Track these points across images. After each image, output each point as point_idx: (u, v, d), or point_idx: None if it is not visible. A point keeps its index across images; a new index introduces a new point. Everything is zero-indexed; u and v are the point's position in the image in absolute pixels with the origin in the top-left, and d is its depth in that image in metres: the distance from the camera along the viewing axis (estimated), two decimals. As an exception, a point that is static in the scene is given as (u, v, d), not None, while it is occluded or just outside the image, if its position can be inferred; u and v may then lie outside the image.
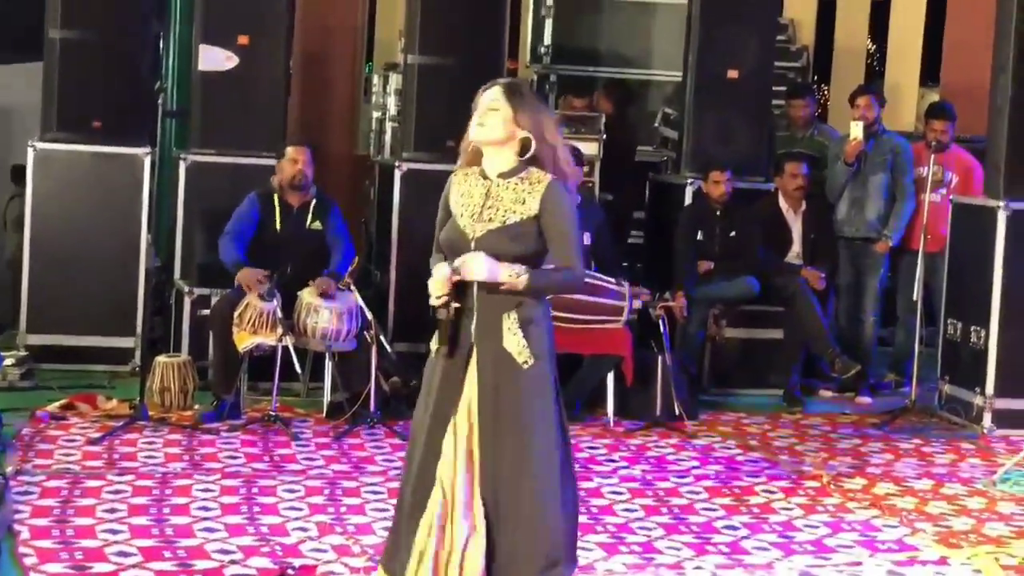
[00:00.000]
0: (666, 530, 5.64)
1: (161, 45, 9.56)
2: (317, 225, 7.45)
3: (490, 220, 4.05)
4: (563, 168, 4.10)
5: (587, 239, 7.64)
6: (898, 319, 8.87)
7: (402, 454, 4.95)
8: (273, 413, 6.97)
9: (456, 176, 4.18)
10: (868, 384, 8.53)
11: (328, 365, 7.23)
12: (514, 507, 4.00)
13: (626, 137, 9.50)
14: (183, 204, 8.14)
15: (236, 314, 7.01)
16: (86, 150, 8.10)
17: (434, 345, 4.11)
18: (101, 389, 7.45)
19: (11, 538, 5.08)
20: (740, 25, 8.68)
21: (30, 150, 8.05)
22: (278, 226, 7.41)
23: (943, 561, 5.42)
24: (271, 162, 7.61)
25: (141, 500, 5.66)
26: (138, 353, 7.96)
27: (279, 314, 6.95)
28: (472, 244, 4.04)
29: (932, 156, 8.10)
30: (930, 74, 11.80)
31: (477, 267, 3.98)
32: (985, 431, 7.68)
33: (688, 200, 8.55)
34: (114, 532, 5.23)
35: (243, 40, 8.12)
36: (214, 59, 8.13)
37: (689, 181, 8.60)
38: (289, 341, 6.94)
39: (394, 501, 4.40)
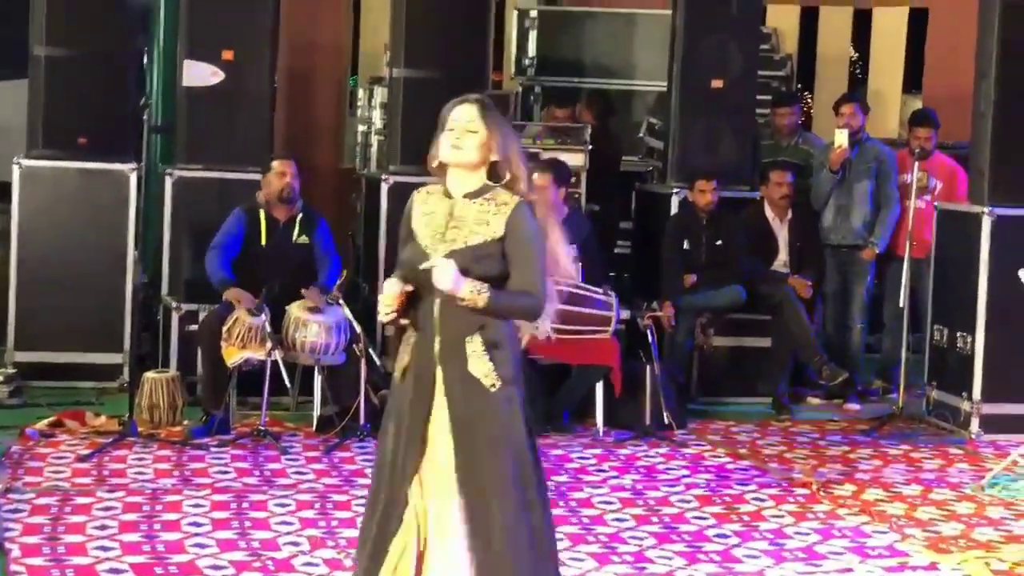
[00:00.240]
0: (657, 539, 5.65)
1: (146, 61, 9.57)
2: (304, 239, 7.45)
3: (453, 240, 3.94)
4: (525, 188, 4.02)
5: (574, 251, 7.65)
6: (885, 326, 8.90)
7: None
8: (263, 428, 6.96)
9: (418, 195, 4.07)
10: (856, 391, 8.55)
11: (317, 379, 7.23)
12: (487, 530, 3.88)
13: (611, 148, 9.52)
14: (170, 219, 8.13)
15: (224, 329, 7.01)
16: (72, 166, 8.09)
17: (398, 370, 4.03)
18: (89, 406, 7.43)
19: (2, 556, 5.07)
20: (724, 34, 8.70)
21: (15, 167, 8.04)
22: (264, 241, 7.41)
23: (933, 566, 5.44)
24: (257, 177, 7.61)
25: (132, 516, 5.65)
26: (126, 369, 7.93)
27: (268, 328, 6.95)
28: None
29: (916, 163, 8.13)
30: (913, 81, 11.82)
31: (445, 275, 3.84)
32: (973, 436, 7.70)
33: (674, 210, 8.56)
34: (105, 549, 5.22)
35: (228, 55, 8.12)
36: (199, 74, 8.13)
37: (675, 191, 8.62)
38: (278, 355, 6.94)
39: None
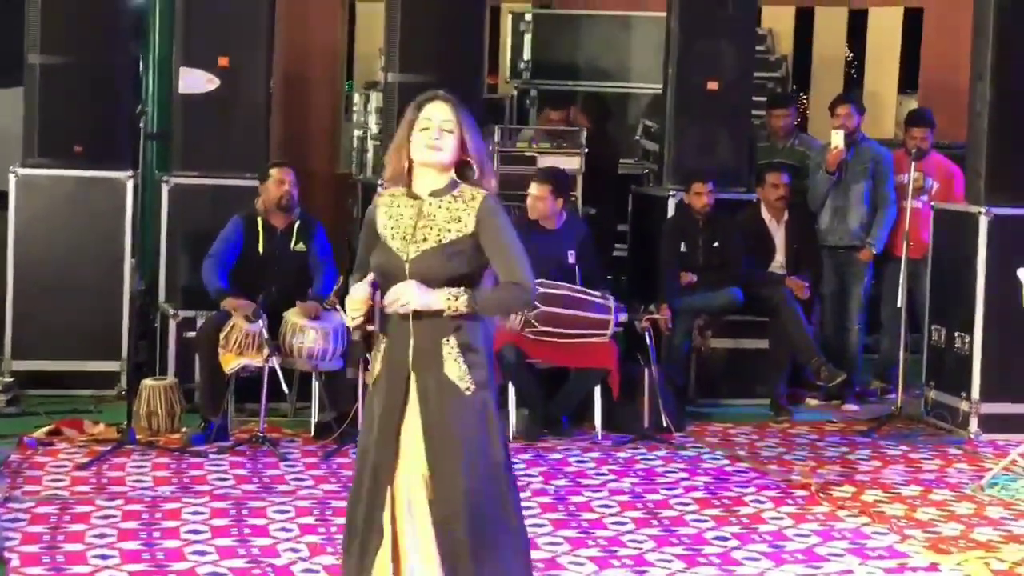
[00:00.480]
0: (657, 542, 5.64)
1: (141, 68, 9.56)
2: (301, 247, 7.45)
3: (424, 240, 3.89)
4: (492, 181, 3.97)
5: (571, 256, 7.66)
6: (883, 326, 8.90)
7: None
8: (261, 434, 6.97)
9: (381, 199, 4.00)
10: (854, 392, 8.55)
11: (315, 385, 7.23)
12: (457, 539, 3.83)
13: (608, 151, 9.53)
14: (166, 227, 8.12)
15: (222, 336, 7.01)
16: (68, 175, 8.08)
17: (371, 379, 3.99)
18: (88, 414, 7.43)
19: (2, 566, 5.06)
20: (719, 36, 8.70)
21: (11, 176, 8.04)
22: (261, 248, 7.41)
23: (933, 567, 5.44)
24: (254, 183, 7.61)
25: (131, 524, 5.65)
26: (124, 377, 7.94)
27: (265, 335, 6.95)
28: (407, 266, 3.88)
29: (912, 163, 8.13)
30: (908, 81, 11.83)
31: (411, 296, 3.80)
32: (972, 436, 7.70)
33: (670, 212, 8.56)
34: (105, 557, 5.22)
35: (223, 62, 8.11)
36: (195, 81, 8.12)
37: (671, 193, 8.62)
38: (276, 362, 6.94)
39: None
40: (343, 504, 5.94)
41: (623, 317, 7.47)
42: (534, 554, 5.37)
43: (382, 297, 3.91)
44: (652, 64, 9.62)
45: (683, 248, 8.32)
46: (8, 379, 7.79)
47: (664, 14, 8.96)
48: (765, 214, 8.59)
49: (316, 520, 5.79)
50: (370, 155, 9.89)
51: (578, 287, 7.49)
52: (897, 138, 9.93)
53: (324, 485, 6.37)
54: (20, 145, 8.17)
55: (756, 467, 6.97)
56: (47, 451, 6.80)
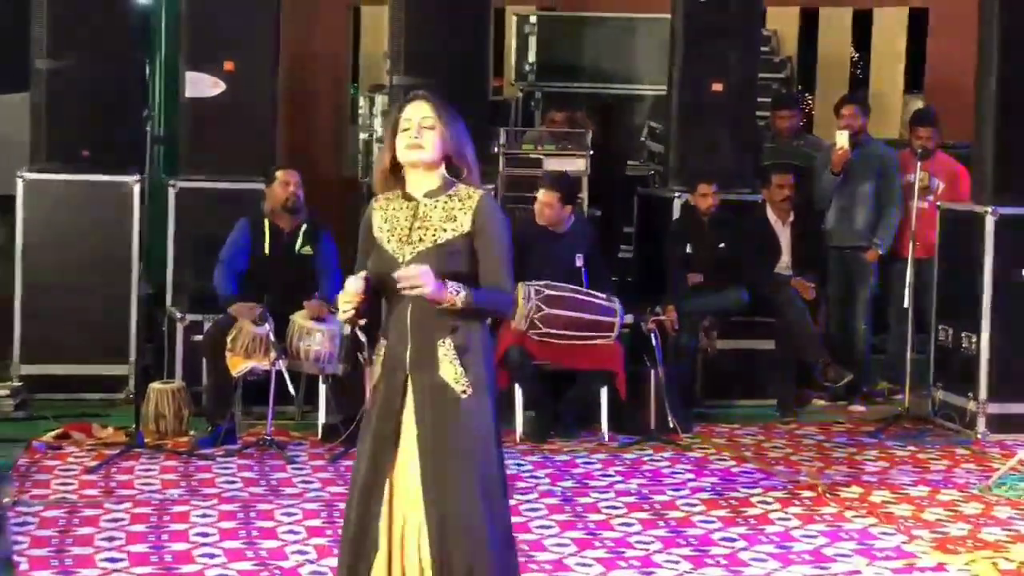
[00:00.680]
0: (664, 544, 5.65)
1: (147, 72, 9.57)
2: (307, 250, 7.46)
3: (420, 240, 3.87)
4: (476, 174, 3.94)
5: (579, 260, 7.67)
6: (889, 327, 8.89)
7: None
8: (268, 437, 6.97)
9: (376, 203, 3.98)
10: (861, 392, 8.55)
11: (322, 388, 7.24)
12: (449, 543, 3.80)
13: (616, 153, 9.54)
14: (173, 230, 8.14)
15: (229, 339, 7.02)
16: (75, 179, 8.10)
17: (372, 383, 3.97)
18: (96, 417, 7.44)
19: (10, 569, 5.07)
20: (723, 37, 8.70)
21: (19, 180, 8.05)
22: (267, 250, 7.42)
23: (941, 567, 5.43)
24: (260, 186, 7.63)
25: (139, 528, 5.66)
26: (132, 380, 7.95)
27: (272, 338, 6.96)
28: (403, 268, 3.83)
29: (918, 163, 8.13)
30: (914, 81, 11.84)
31: (426, 281, 3.75)
32: (979, 436, 7.70)
33: (676, 213, 8.57)
34: (113, 560, 5.23)
35: (229, 66, 8.14)
36: (201, 85, 8.14)
37: (677, 194, 8.62)
38: (282, 365, 6.95)
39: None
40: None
41: (628, 319, 7.47)
42: (541, 555, 5.40)
43: (376, 296, 3.90)
44: (657, 66, 9.62)
45: (689, 249, 8.33)
46: (16, 383, 7.81)
47: (669, 16, 8.97)
48: (771, 215, 8.59)
49: (323, 522, 5.80)
50: (375, 158, 9.90)
51: (584, 289, 7.50)
52: (903, 138, 9.92)
53: (331, 488, 6.37)
54: (27, 150, 8.19)
55: (763, 468, 6.97)
56: (55, 455, 6.81)
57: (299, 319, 7.11)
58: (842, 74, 11.71)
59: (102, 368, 8.04)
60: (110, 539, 5.49)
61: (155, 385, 7.34)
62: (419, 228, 3.90)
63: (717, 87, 8.72)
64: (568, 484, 6.55)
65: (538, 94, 10.40)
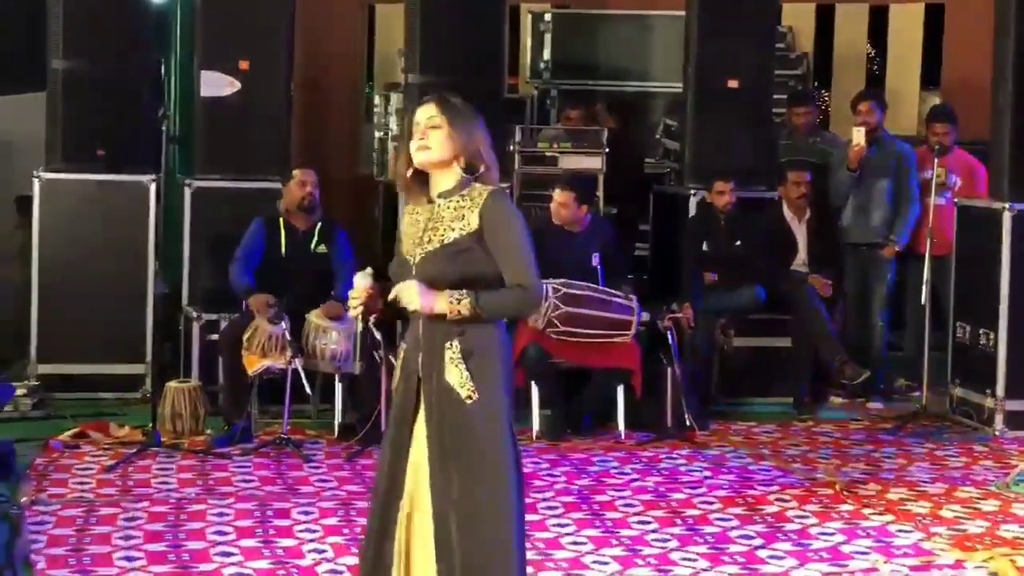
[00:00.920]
0: (681, 542, 5.64)
1: (163, 72, 9.59)
2: (323, 249, 7.47)
3: (429, 242, 3.83)
4: (493, 172, 3.89)
5: (595, 259, 7.67)
6: (907, 324, 8.87)
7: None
8: (285, 436, 6.98)
9: (408, 208, 3.98)
10: (879, 389, 8.53)
11: (338, 387, 7.24)
12: (452, 550, 3.75)
13: (634, 151, 9.53)
14: (189, 230, 8.15)
15: (245, 338, 7.03)
16: (91, 179, 8.11)
17: (395, 382, 3.97)
18: (113, 417, 7.46)
19: (28, 568, 5.08)
20: (739, 34, 8.68)
21: (35, 180, 8.07)
22: (283, 249, 7.43)
23: (959, 565, 5.41)
24: (276, 186, 7.64)
25: (156, 526, 5.67)
26: (148, 380, 7.97)
27: (288, 337, 6.97)
28: (414, 271, 3.83)
29: (935, 159, 8.11)
30: (930, 77, 11.80)
31: (410, 296, 3.75)
32: (997, 433, 7.68)
33: (692, 211, 8.55)
34: (131, 559, 5.24)
35: (244, 65, 8.14)
36: (216, 84, 8.15)
37: (693, 192, 8.61)
38: (299, 363, 6.95)
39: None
40: (367, 505, 5.98)
41: (644, 316, 7.46)
42: (558, 554, 5.39)
43: (388, 293, 3.90)
44: (672, 63, 9.61)
45: (705, 247, 8.32)
46: (34, 382, 7.83)
47: (684, 12, 8.95)
48: (787, 212, 8.57)
49: (340, 521, 5.81)
50: (390, 156, 9.90)
51: (601, 287, 7.50)
52: (920, 134, 9.90)
53: (348, 486, 6.38)
54: (43, 150, 8.21)
55: (780, 465, 6.95)
56: (73, 454, 6.83)
57: (315, 318, 7.12)
58: (858, 70, 11.68)
59: (119, 367, 8.06)
60: (127, 538, 5.50)
61: (172, 384, 7.36)
62: (431, 229, 3.87)
63: (733, 84, 8.70)
64: (585, 482, 6.55)
65: (553, 92, 10.40)
